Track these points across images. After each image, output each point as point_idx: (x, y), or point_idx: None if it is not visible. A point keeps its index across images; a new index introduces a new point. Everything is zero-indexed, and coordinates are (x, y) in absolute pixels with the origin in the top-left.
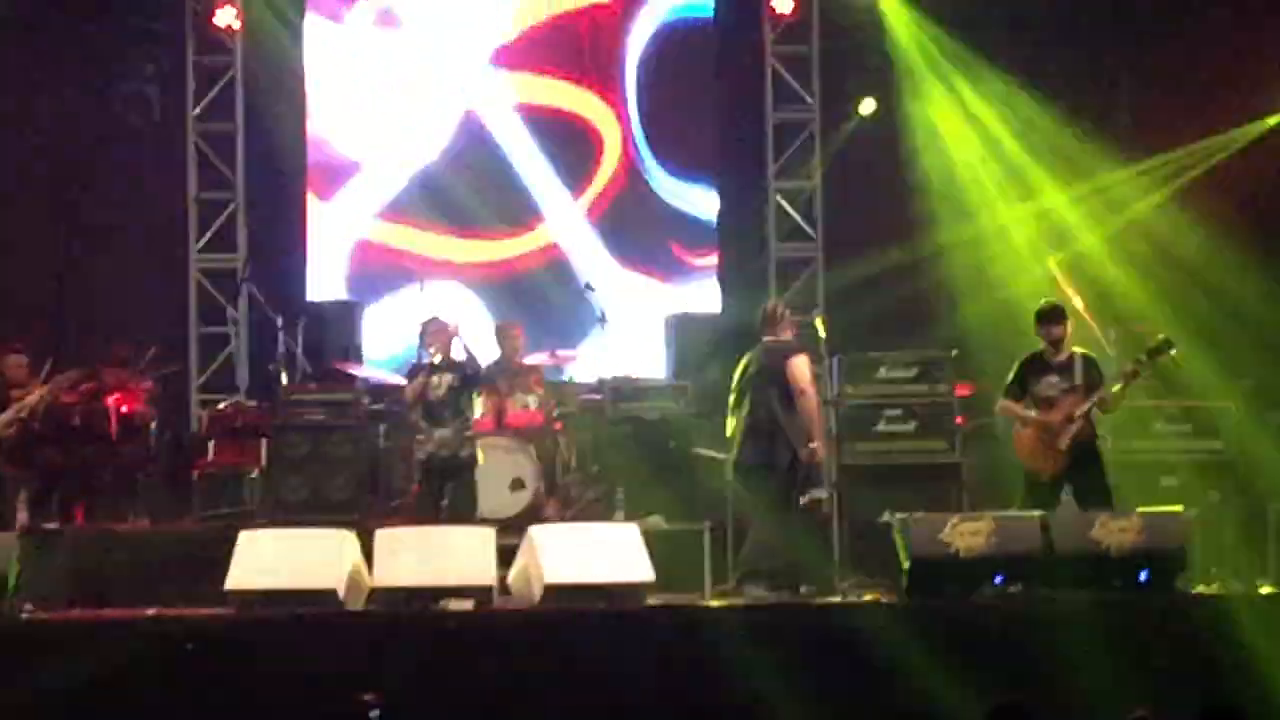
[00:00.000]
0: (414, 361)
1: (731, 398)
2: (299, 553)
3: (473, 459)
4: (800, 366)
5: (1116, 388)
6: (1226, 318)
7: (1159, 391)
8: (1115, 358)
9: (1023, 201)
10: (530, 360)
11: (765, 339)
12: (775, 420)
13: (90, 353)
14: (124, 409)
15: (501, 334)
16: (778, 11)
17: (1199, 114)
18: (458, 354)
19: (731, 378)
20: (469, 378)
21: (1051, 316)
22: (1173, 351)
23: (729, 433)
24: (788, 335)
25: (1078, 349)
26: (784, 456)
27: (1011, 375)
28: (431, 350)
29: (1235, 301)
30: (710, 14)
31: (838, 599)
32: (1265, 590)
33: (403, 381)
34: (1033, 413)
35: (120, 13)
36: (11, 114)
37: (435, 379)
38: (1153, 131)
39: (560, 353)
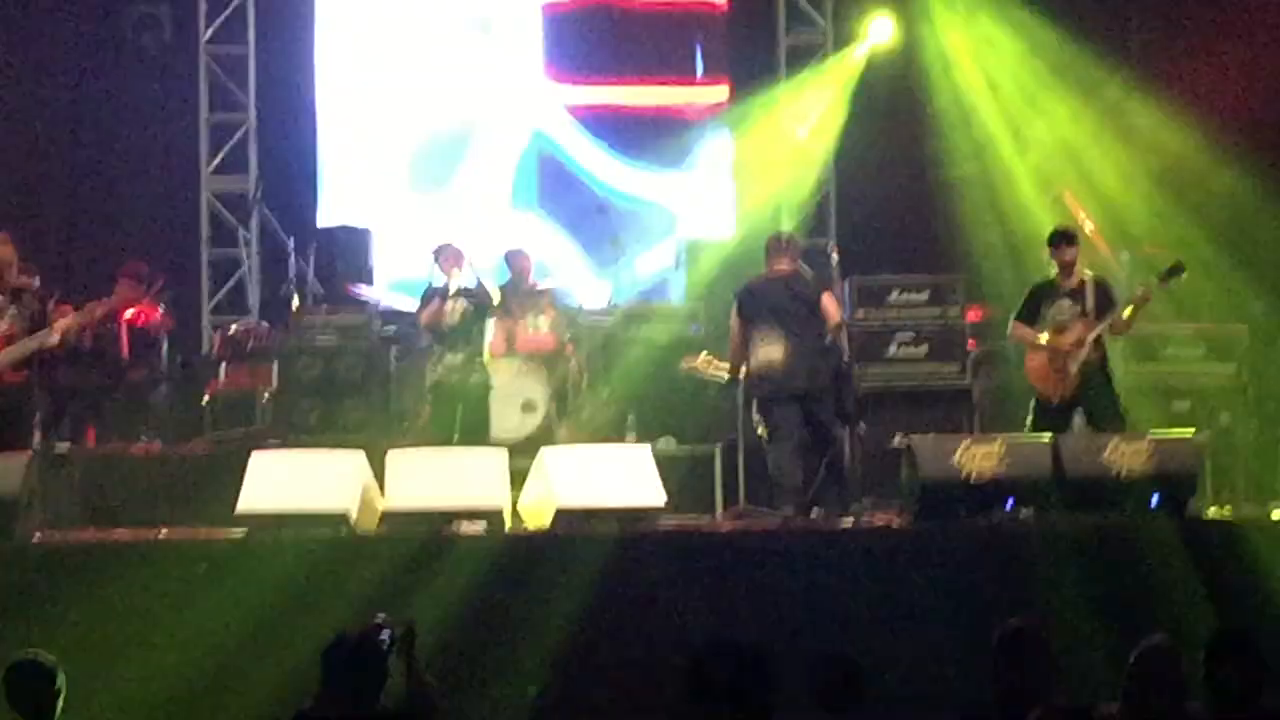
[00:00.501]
0: (428, 286)
1: (749, 326)
2: (310, 475)
3: (484, 384)
4: (835, 301)
5: (1128, 312)
6: (1239, 240)
7: (1171, 315)
8: (1127, 281)
9: (1036, 127)
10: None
11: (780, 268)
12: (823, 348)
13: (102, 273)
14: (137, 323)
15: (511, 258)
16: None
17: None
18: (469, 280)
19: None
20: (482, 304)
21: (1062, 240)
22: (1183, 274)
23: (758, 360)
24: (794, 266)
25: (1088, 273)
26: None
27: (1023, 300)
28: (446, 275)
29: (1247, 224)
30: None
31: (849, 522)
32: (1277, 514)
33: (414, 305)
34: (1044, 337)
35: None
36: (22, 35)
37: (449, 304)
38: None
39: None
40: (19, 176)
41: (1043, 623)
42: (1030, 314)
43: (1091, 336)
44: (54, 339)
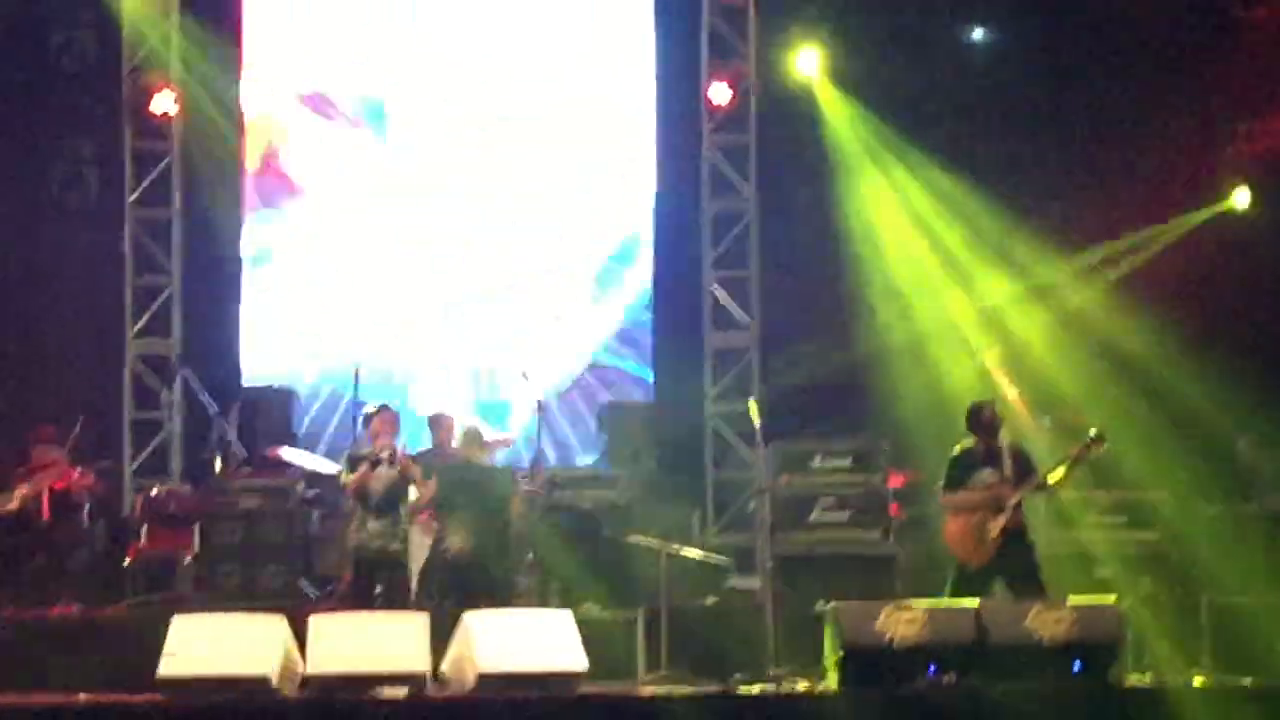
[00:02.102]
0: (353, 449)
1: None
2: (232, 639)
3: (402, 552)
4: None
5: (1059, 472)
6: (1160, 409)
7: (1092, 483)
8: (1049, 447)
9: (959, 291)
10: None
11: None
12: None
13: (22, 431)
14: (58, 486)
15: (435, 423)
16: (715, 103)
17: (1127, 211)
18: (395, 446)
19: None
20: (407, 475)
21: (979, 416)
22: (1104, 445)
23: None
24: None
25: (1006, 439)
26: None
27: (946, 470)
28: (378, 444)
29: (1169, 393)
30: None
31: (770, 687)
32: (1198, 681)
33: (335, 469)
34: (975, 494)
35: (59, 95)
36: None
37: (377, 471)
38: (1082, 226)
39: (495, 438)
40: None
41: None
42: (955, 483)
43: (1010, 502)
44: (13, 505)
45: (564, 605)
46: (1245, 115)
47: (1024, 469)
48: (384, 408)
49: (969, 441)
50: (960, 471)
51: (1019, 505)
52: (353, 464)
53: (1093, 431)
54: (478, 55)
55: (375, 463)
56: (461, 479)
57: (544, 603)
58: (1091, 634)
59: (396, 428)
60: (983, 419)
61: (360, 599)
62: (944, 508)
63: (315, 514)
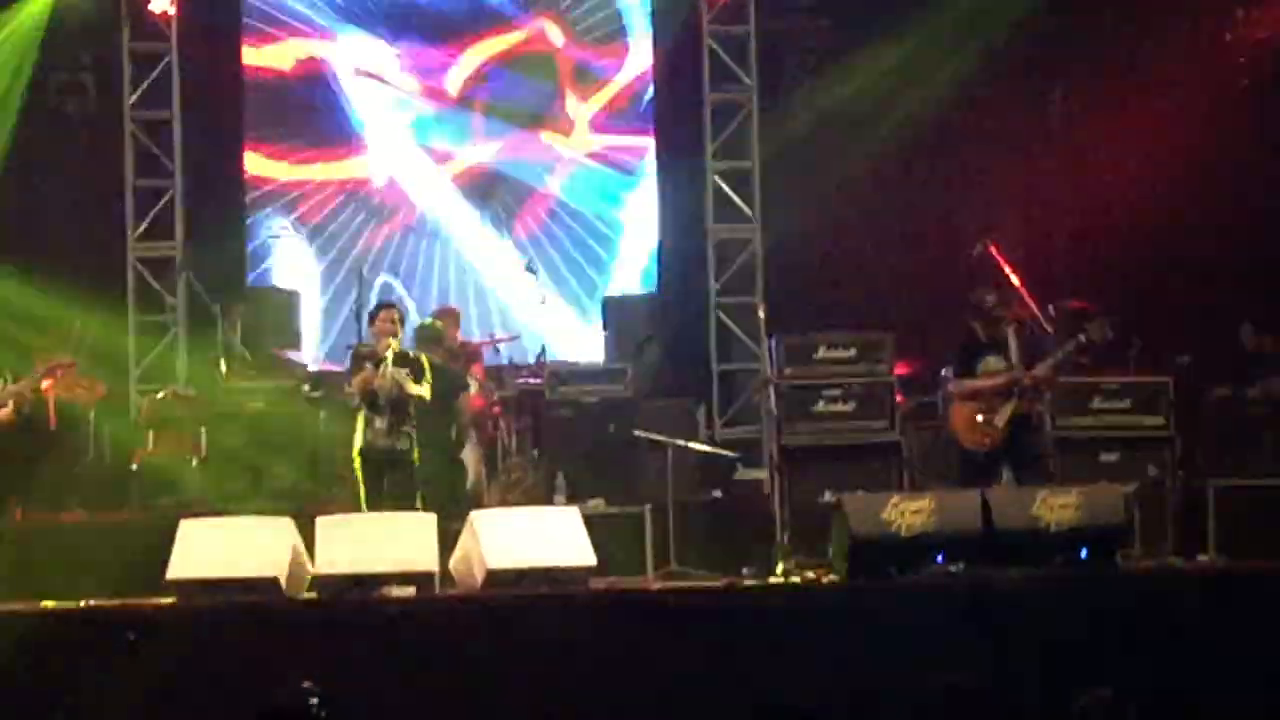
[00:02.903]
0: (355, 344)
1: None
2: (240, 541)
3: (409, 451)
4: None
5: (1048, 367)
6: (1166, 290)
7: (1098, 367)
8: (1054, 334)
9: (962, 173)
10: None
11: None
12: None
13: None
14: (63, 394)
15: (440, 316)
16: None
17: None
18: (401, 344)
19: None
20: (414, 371)
21: (980, 305)
22: (1109, 333)
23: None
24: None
25: (1012, 326)
26: None
27: (957, 358)
28: (381, 342)
29: (1175, 273)
30: None
31: (779, 579)
32: (1204, 565)
33: (341, 367)
34: (982, 381)
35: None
36: None
37: (381, 370)
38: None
39: (499, 335)
40: None
41: (979, 680)
42: (963, 369)
43: (1021, 387)
44: (4, 410)
45: (569, 502)
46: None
47: (1031, 355)
48: (387, 304)
49: (975, 329)
50: (968, 359)
51: (1027, 391)
52: (356, 362)
53: (1098, 321)
54: None
55: (379, 362)
56: None
57: (549, 500)
58: (1098, 519)
59: (400, 324)
60: (984, 307)
61: (369, 499)
62: (951, 395)
63: (321, 414)
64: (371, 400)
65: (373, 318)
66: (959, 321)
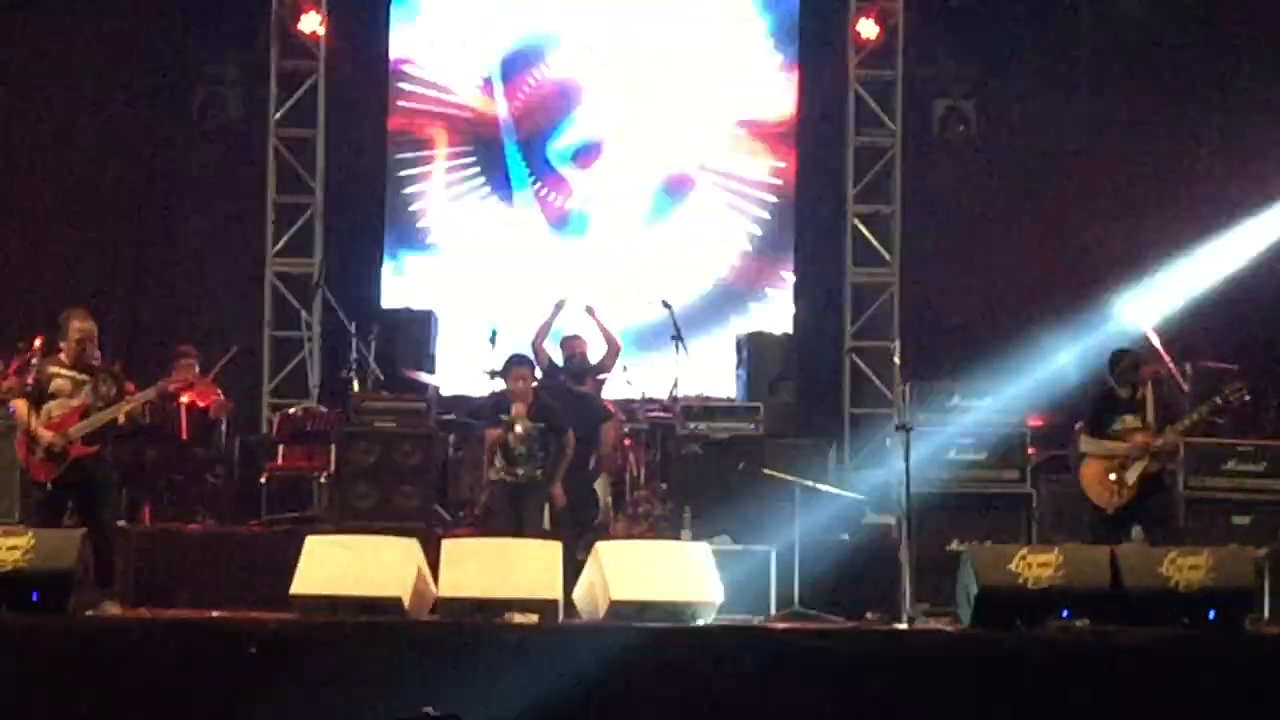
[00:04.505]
0: (495, 398)
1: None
2: (365, 560)
3: (542, 477)
4: None
5: (1181, 428)
6: None
7: (1232, 429)
8: (1190, 393)
9: (1103, 222)
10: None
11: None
12: None
13: (166, 351)
14: (195, 406)
15: (567, 344)
16: (863, 36)
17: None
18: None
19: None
20: (549, 428)
21: (1120, 362)
22: (1245, 395)
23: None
24: None
25: (1149, 385)
26: None
27: (1089, 412)
28: (515, 406)
29: None
30: None
31: (903, 626)
32: None
33: (475, 389)
34: (1107, 444)
35: (203, 14)
36: (93, 113)
37: (517, 427)
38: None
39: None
40: (86, 251)
41: None
42: (1097, 426)
43: (1152, 447)
44: (124, 412)
45: (695, 538)
46: None
47: (1166, 415)
48: (519, 361)
49: (1111, 386)
50: (1102, 415)
51: (1159, 452)
52: (491, 413)
53: (1234, 384)
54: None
55: (511, 425)
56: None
57: (675, 535)
58: (1227, 582)
59: (531, 379)
60: (1123, 364)
61: (498, 514)
62: (1083, 451)
63: (451, 436)
64: (507, 454)
65: (505, 374)
66: (1094, 374)
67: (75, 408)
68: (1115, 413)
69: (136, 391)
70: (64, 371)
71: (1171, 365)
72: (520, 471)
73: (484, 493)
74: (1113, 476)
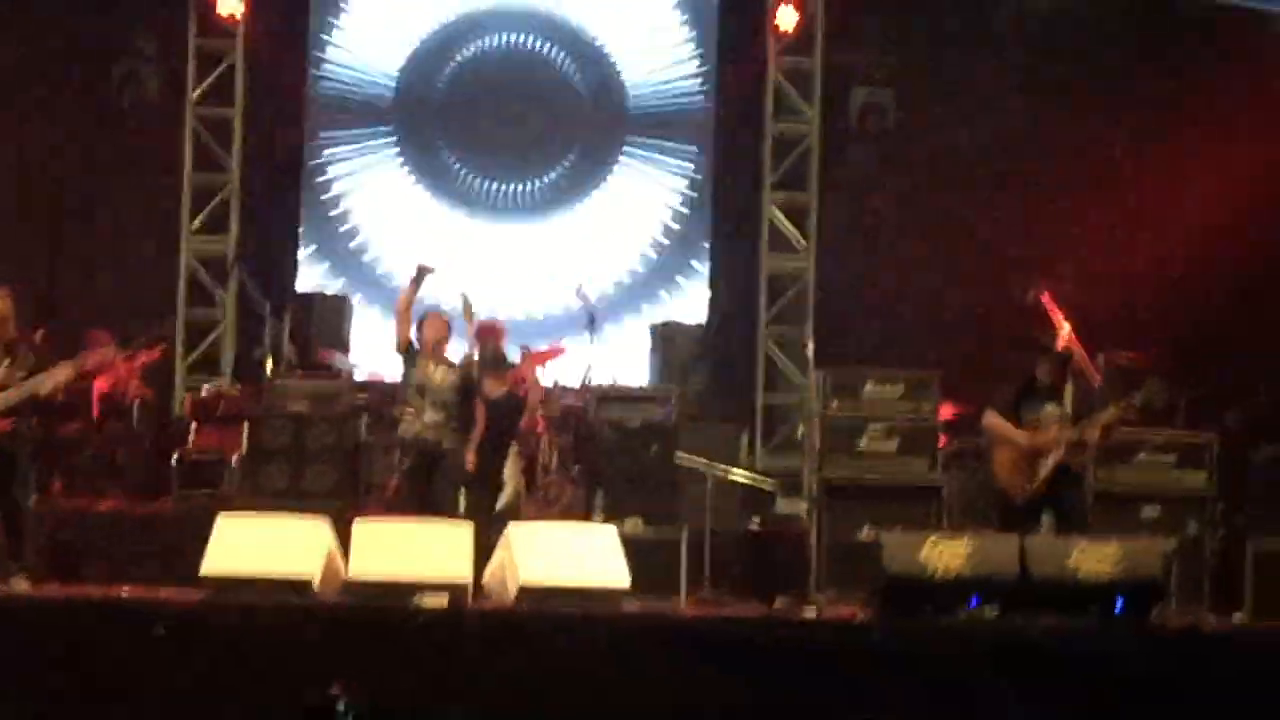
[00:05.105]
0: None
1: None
2: (276, 539)
3: (455, 452)
4: None
5: (1100, 423)
6: (1221, 343)
7: (1142, 421)
8: (1102, 385)
9: (1018, 214)
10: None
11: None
12: None
13: (82, 325)
14: (109, 388)
15: (484, 330)
16: (781, 28)
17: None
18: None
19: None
20: (468, 386)
21: (1055, 349)
22: (1165, 397)
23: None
24: None
25: (1072, 376)
26: None
27: (1002, 394)
28: (425, 344)
29: (1232, 325)
30: None
31: (812, 613)
32: (1238, 624)
33: (388, 375)
34: (1020, 434)
35: None
36: (11, 88)
37: (432, 367)
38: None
39: (543, 349)
40: (1, 226)
41: None
42: (1011, 407)
43: (1065, 439)
44: (46, 387)
45: (608, 521)
46: None
47: (1085, 409)
48: (432, 313)
49: (1036, 371)
50: (1022, 399)
51: (1074, 445)
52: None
53: (1154, 383)
54: None
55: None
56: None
57: (588, 518)
58: (1136, 573)
59: (448, 332)
60: (1059, 352)
61: (409, 495)
62: (997, 435)
63: (364, 419)
64: (421, 389)
65: (419, 327)
66: (1013, 361)
67: None
68: (1036, 399)
69: (57, 364)
70: None
71: (1083, 355)
72: (435, 419)
73: (395, 467)
74: (1025, 467)
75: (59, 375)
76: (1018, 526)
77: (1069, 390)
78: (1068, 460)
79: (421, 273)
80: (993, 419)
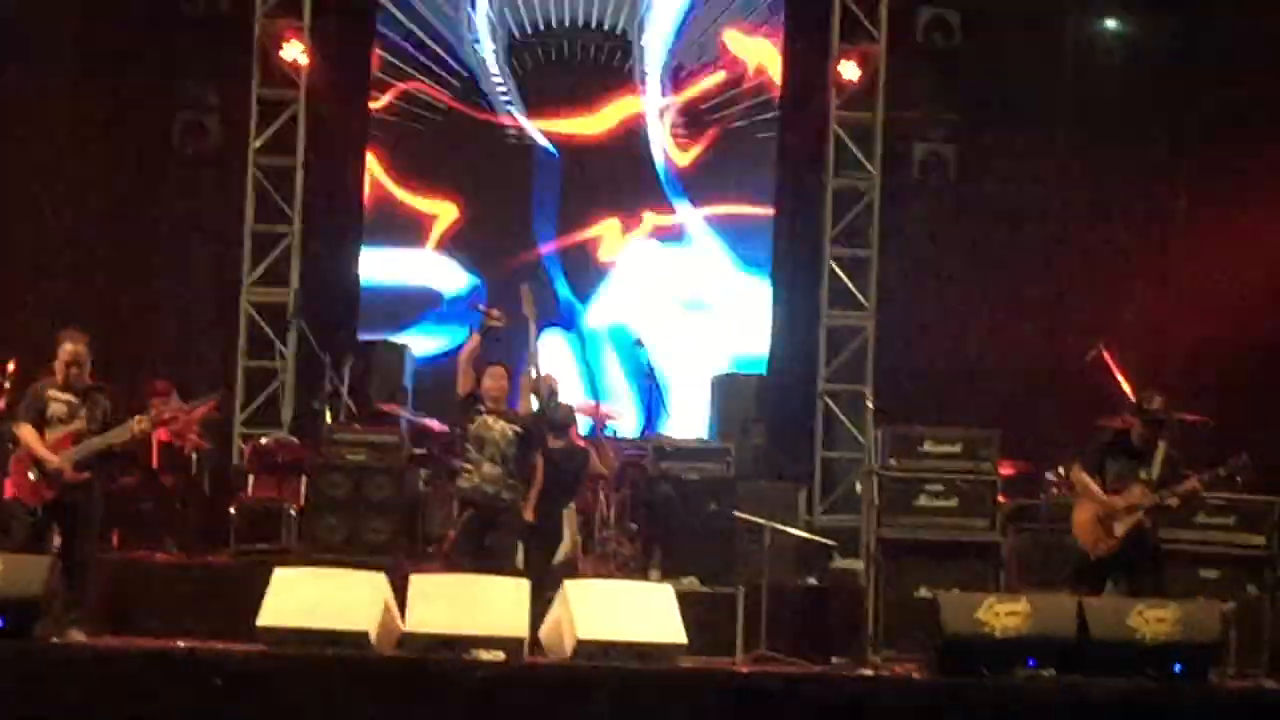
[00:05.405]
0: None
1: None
2: (333, 593)
3: (514, 505)
4: None
5: (1181, 491)
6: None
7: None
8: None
9: (1080, 274)
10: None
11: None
12: None
13: (141, 373)
14: (171, 440)
15: (542, 385)
16: (844, 78)
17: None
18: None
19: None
20: (529, 438)
21: (1152, 407)
22: (1249, 471)
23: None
24: None
25: (1163, 444)
26: None
27: (1090, 449)
28: (485, 396)
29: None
30: None
31: (869, 671)
32: None
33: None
34: (1101, 493)
35: (185, 41)
36: (74, 137)
37: (492, 420)
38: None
39: (604, 408)
40: (63, 276)
41: None
42: (1095, 465)
43: (1145, 505)
44: (123, 439)
45: (664, 578)
46: None
47: (1169, 476)
48: (493, 366)
49: (1129, 430)
50: (1108, 456)
51: (1154, 509)
52: (465, 409)
53: (1240, 459)
54: None
55: (489, 411)
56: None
57: (644, 574)
58: (1194, 635)
59: (506, 381)
60: (1155, 411)
61: (466, 550)
62: (1080, 490)
63: (423, 471)
64: (479, 443)
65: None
66: (1074, 420)
67: (70, 432)
68: (1122, 458)
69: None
70: (59, 395)
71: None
72: (494, 472)
73: (452, 521)
74: (1101, 524)
75: (135, 429)
76: (1090, 583)
77: (1160, 456)
78: (1146, 524)
79: (488, 325)
80: (1079, 474)
